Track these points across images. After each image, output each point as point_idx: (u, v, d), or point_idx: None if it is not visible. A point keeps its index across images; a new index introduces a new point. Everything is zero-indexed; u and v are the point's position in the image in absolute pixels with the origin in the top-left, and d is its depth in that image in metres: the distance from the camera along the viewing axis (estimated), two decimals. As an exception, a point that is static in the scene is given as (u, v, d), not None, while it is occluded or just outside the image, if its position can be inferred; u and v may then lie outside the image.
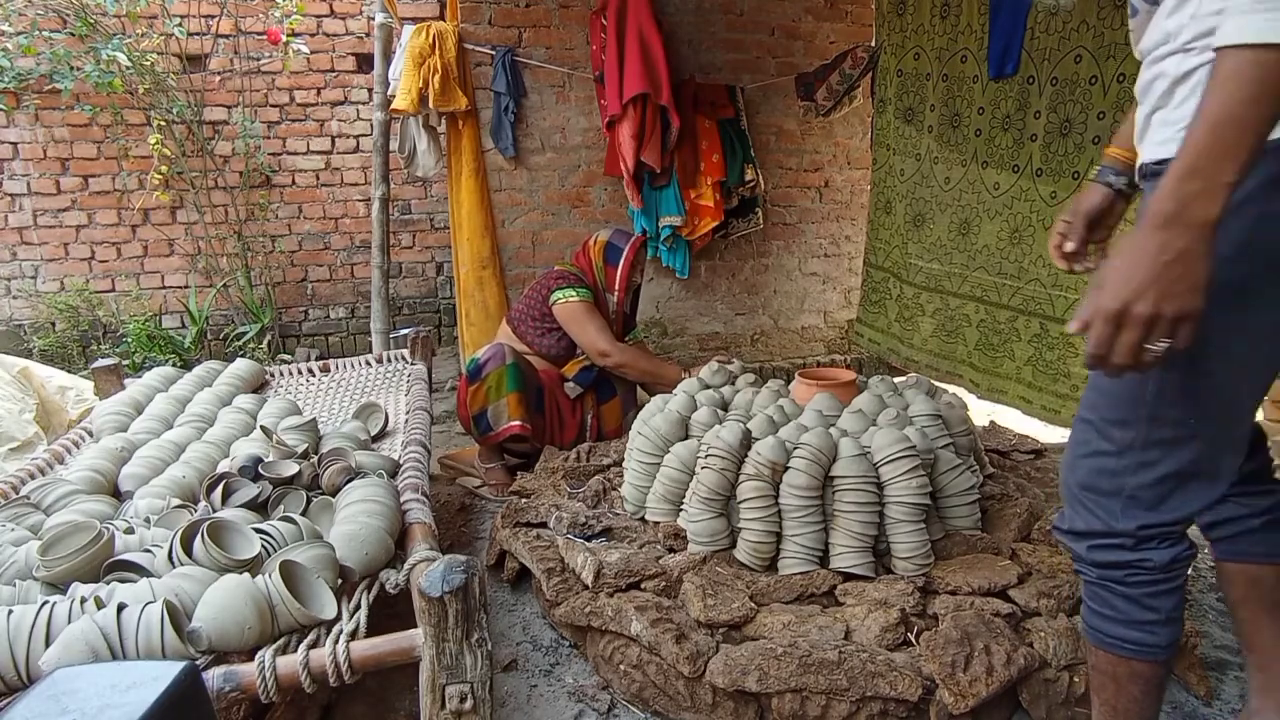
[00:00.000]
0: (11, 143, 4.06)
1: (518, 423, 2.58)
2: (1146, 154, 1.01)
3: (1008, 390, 2.86)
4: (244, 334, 4.32)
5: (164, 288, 4.37)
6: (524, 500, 2.22)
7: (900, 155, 3.24)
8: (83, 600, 1.26)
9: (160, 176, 4.11)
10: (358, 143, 4.44)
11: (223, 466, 1.90)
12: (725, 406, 2.29)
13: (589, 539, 1.94)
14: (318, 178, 4.45)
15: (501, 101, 3.75)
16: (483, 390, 2.59)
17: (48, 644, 1.17)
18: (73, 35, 3.87)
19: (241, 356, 4.04)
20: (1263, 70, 0.75)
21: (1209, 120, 0.78)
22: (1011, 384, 2.84)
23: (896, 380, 2.35)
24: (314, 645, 1.25)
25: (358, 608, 1.37)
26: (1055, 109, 2.54)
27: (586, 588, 1.76)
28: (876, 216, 3.48)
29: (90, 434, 2.22)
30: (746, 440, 1.90)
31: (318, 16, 4.28)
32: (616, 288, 2.84)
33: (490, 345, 2.67)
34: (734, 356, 4.39)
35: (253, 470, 1.77)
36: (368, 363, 2.98)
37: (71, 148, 4.13)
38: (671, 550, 1.89)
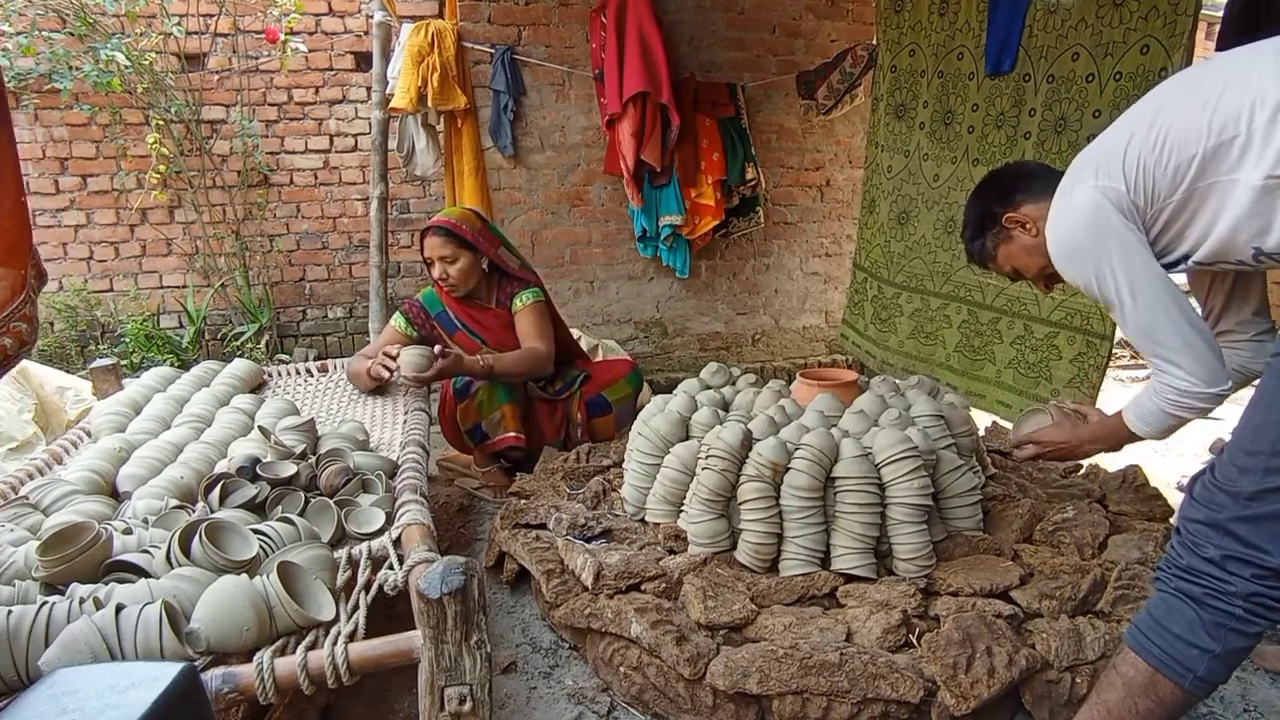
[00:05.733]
0: (10, 142, 4.05)
1: (512, 434, 2.56)
2: None
3: (986, 394, 2.83)
4: (242, 334, 4.31)
5: (162, 287, 4.36)
6: (523, 501, 2.21)
7: (889, 152, 3.23)
8: (81, 601, 1.25)
9: (158, 176, 4.10)
10: (356, 141, 4.43)
11: (221, 467, 1.89)
12: (726, 407, 2.28)
13: (589, 540, 1.93)
14: (316, 177, 4.43)
15: (501, 100, 3.75)
16: (474, 405, 2.55)
17: (47, 644, 1.17)
18: (72, 35, 3.86)
19: (239, 356, 4.03)
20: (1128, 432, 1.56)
21: (1115, 430, 1.62)
22: (991, 388, 2.81)
23: (898, 381, 2.34)
24: (312, 647, 1.25)
25: (356, 609, 1.36)
26: (1051, 107, 2.53)
27: (586, 589, 1.75)
28: (863, 216, 3.46)
29: (88, 434, 2.22)
30: (747, 441, 1.89)
31: (316, 15, 4.26)
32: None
33: None
34: (735, 358, 4.39)
35: (251, 471, 1.77)
36: (367, 362, 2.97)
37: (70, 147, 4.11)
38: (672, 552, 1.89)
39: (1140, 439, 1.56)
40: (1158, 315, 1.35)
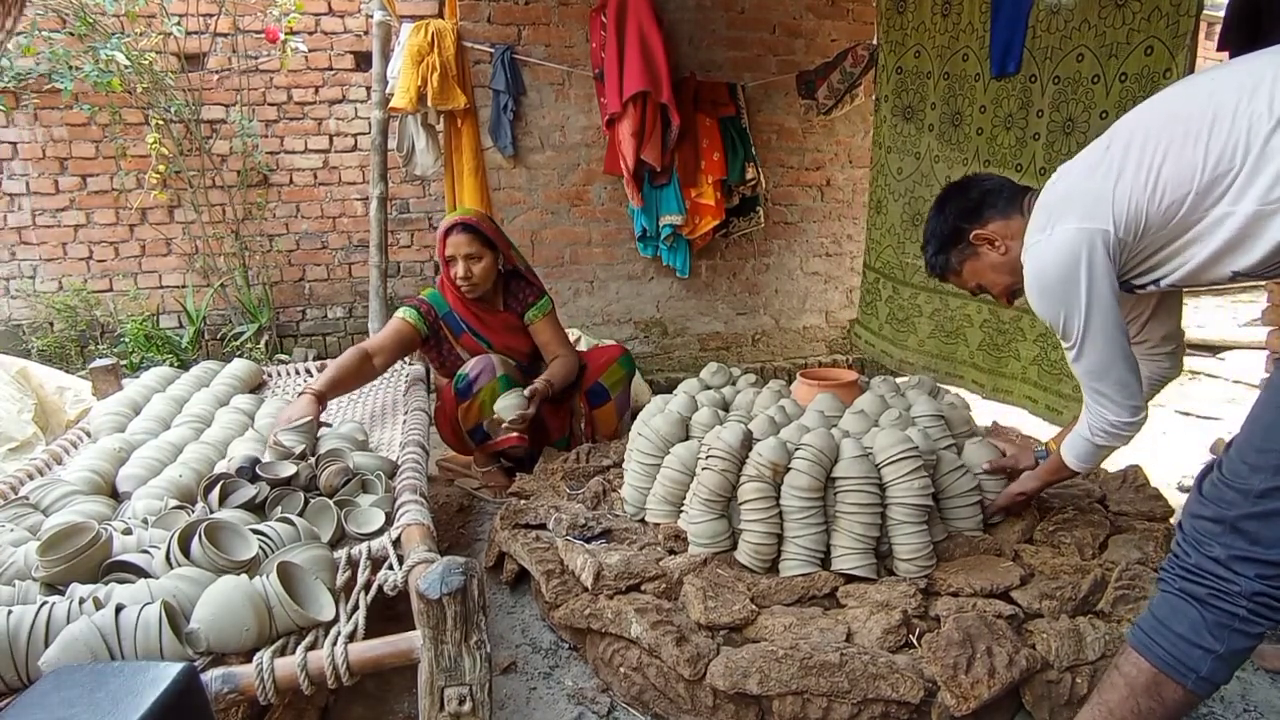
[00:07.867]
0: (11, 142, 4.04)
1: (515, 434, 2.56)
2: None
3: (1013, 390, 2.84)
4: (241, 334, 4.31)
5: (161, 287, 4.36)
6: (523, 502, 2.21)
7: (897, 154, 3.22)
8: (81, 601, 1.25)
9: (158, 176, 4.09)
10: (356, 141, 4.42)
11: (220, 467, 1.89)
12: (726, 407, 2.28)
13: (588, 540, 1.93)
14: (315, 176, 4.43)
15: (500, 100, 3.74)
16: (475, 405, 2.52)
17: (47, 644, 1.17)
18: (72, 35, 3.85)
19: (239, 356, 4.03)
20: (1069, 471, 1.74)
21: (1056, 470, 1.78)
22: (1017, 384, 2.82)
23: (899, 380, 2.34)
24: (312, 647, 1.25)
25: (355, 609, 1.36)
26: (1058, 108, 2.53)
27: (586, 590, 1.75)
28: (871, 217, 3.46)
29: (88, 434, 2.22)
30: (748, 441, 1.89)
31: (316, 14, 4.26)
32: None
33: (477, 359, 2.56)
34: (735, 358, 4.38)
35: (250, 471, 1.76)
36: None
37: (70, 147, 4.11)
38: (672, 552, 1.88)
39: (1075, 475, 1.77)
40: (1107, 362, 1.48)
